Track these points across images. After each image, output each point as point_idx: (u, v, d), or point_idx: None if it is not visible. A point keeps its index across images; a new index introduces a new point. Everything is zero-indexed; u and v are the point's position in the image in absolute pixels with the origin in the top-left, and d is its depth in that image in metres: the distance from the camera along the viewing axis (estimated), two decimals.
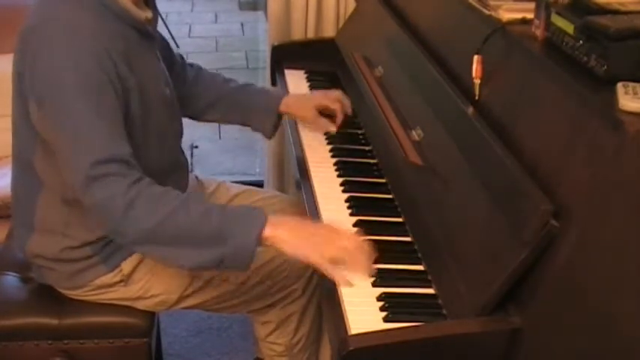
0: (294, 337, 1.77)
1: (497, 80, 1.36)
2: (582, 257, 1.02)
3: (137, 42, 1.47)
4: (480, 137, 1.27)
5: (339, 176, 1.65)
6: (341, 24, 2.34)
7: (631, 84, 1.06)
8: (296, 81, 2.12)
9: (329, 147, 1.79)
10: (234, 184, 1.92)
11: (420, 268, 1.34)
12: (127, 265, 1.57)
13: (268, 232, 1.33)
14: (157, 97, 1.53)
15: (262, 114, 1.85)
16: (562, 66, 1.18)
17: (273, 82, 2.25)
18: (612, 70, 1.09)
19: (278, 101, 1.85)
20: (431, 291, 1.28)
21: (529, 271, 1.09)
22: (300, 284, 1.70)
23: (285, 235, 1.34)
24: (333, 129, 1.83)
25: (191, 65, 1.89)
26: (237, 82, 1.89)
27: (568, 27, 1.19)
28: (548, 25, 1.25)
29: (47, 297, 1.60)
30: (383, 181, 1.64)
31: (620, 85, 1.06)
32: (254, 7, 6.07)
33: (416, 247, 1.39)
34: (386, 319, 1.22)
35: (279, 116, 1.86)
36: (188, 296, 1.63)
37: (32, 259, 1.59)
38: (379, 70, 1.79)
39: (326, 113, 1.86)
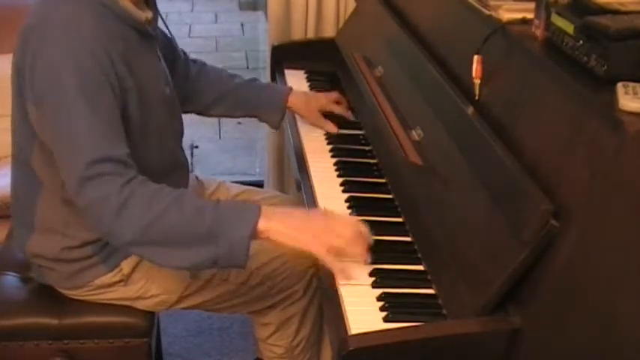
0: (295, 338, 1.77)
1: (497, 80, 1.36)
2: (582, 257, 1.02)
3: (137, 42, 1.47)
4: (480, 137, 1.27)
5: (339, 176, 1.65)
6: (341, 24, 2.34)
7: (631, 84, 1.06)
8: (296, 81, 2.12)
9: (329, 147, 1.79)
10: (234, 184, 1.92)
11: (420, 268, 1.34)
12: (126, 265, 1.57)
13: (262, 225, 1.32)
14: (157, 96, 1.53)
15: (269, 109, 1.88)
16: (562, 66, 1.18)
17: (273, 83, 2.25)
18: (612, 70, 1.09)
19: (284, 97, 1.87)
20: (431, 291, 1.28)
21: (529, 271, 1.09)
22: (301, 285, 1.70)
23: (281, 227, 1.33)
24: (335, 130, 1.85)
25: (194, 61, 1.89)
26: (242, 78, 1.91)
27: (568, 27, 1.19)
28: (548, 25, 1.25)
29: (47, 297, 1.60)
30: (383, 181, 1.64)
31: (620, 85, 1.06)
32: (254, 7, 6.07)
33: (416, 247, 1.39)
34: (386, 319, 1.22)
35: (285, 111, 1.89)
36: (188, 296, 1.63)
37: (32, 259, 1.59)
38: (379, 70, 1.79)
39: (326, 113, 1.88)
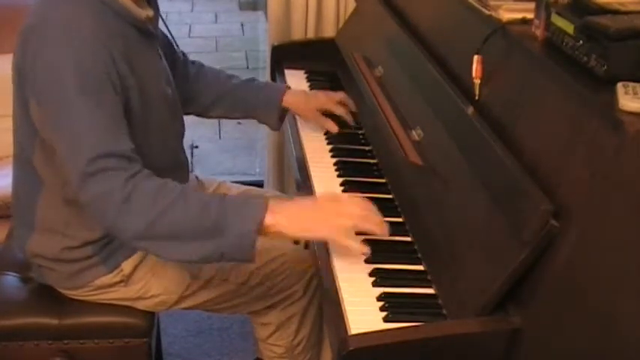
0: (295, 338, 1.77)
1: (497, 80, 1.36)
2: (582, 257, 1.02)
3: (137, 40, 1.47)
4: (480, 137, 1.27)
5: (339, 176, 1.65)
6: (341, 24, 2.34)
7: (631, 84, 1.06)
8: (296, 81, 2.12)
9: (329, 147, 1.79)
10: (235, 184, 1.92)
11: (420, 268, 1.34)
12: (127, 266, 1.57)
13: (269, 219, 1.31)
14: (158, 95, 1.53)
15: (266, 109, 1.87)
16: (562, 66, 1.18)
17: (272, 82, 2.25)
18: (612, 70, 1.09)
19: (280, 96, 1.86)
20: (431, 291, 1.28)
21: (529, 271, 1.09)
22: (301, 285, 1.70)
23: (287, 221, 1.32)
24: (335, 129, 1.83)
25: (193, 62, 1.89)
26: (240, 78, 1.90)
27: (568, 27, 1.19)
28: (548, 25, 1.25)
29: (47, 297, 1.60)
30: (383, 181, 1.64)
31: (620, 85, 1.06)
32: (254, 7, 6.07)
33: (416, 247, 1.39)
34: (386, 319, 1.22)
35: (284, 109, 1.88)
36: (188, 296, 1.63)
37: (32, 258, 1.59)
38: (379, 70, 1.79)
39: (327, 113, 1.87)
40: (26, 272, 1.65)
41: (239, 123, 3.81)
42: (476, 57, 1.36)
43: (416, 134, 1.48)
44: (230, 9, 6.27)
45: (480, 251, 1.17)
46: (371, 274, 1.32)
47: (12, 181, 1.59)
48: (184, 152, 1.72)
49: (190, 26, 5.79)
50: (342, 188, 1.60)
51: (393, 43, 1.81)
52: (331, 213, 1.32)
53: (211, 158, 3.68)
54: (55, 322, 1.57)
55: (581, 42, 1.15)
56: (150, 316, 1.63)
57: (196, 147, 3.13)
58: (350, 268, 1.33)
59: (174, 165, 1.64)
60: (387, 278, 1.30)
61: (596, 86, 1.10)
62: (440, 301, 1.25)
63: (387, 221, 1.47)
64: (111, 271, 1.56)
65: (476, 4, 1.49)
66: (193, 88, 1.84)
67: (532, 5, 1.33)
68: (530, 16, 1.35)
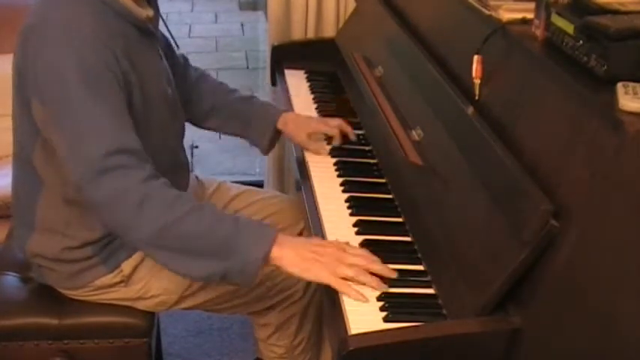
0: (295, 339, 1.77)
1: (497, 80, 1.36)
2: (582, 257, 1.02)
3: (138, 39, 1.47)
4: (480, 137, 1.27)
5: (339, 176, 1.65)
6: (341, 24, 2.34)
7: (631, 84, 1.06)
8: (296, 81, 2.12)
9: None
10: (235, 184, 1.91)
11: (420, 268, 1.34)
12: (127, 266, 1.57)
13: (276, 252, 1.32)
14: (159, 94, 1.53)
15: (259, 128, 1.82)
16: (562, 66, 1.18)
17: (273, 83, 2.25)
18: (612, 70, 1.09)
19: (277, 117, 1.81)
20: (431, 291, 1.28)
21: (529, 271, 1.09)
22: (301, 286, 1.70)
23: (292, 257, 1.32)
24: (324, 151, 1.76)
25: (195, 69, 1.88)
26: (241, 94, 1.88)
27: (568, 27, 1.19)
28: (548, 25, 1.25)
29: (47, 297, 1.60)
30: (383, 181, 1.64)
31: (620, 85, 1.06)
32: (254, 7, 6.07)
33: (416, 247, 1.39)
34: (386, 319, 1.22)
35: (277, 132, 1.83)
36: (188, 296, 1.63)
37: (32, 258, 1.59)
38: (379, 70, 1.79)
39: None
40: (26, 272, 1.65)
41: None
42: (476, 57, 1.36)
43: (416, 134, 1.48)
44: (230, 9, 6.27)
45: (480, 251, 1.17)
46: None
47: (12, 181, 1.59)
48: (184, 152, 1.72)
49: (190, 26, 5.79)
50: (342, 188, 1.60)
51: (393, 43, 1.81)
52: (333, 259, 1.30)
53: (211, 158, 3.67)
54: (55, 322, 1.57)
55: (581, 42, 1.15)
56: (150, 316, 1.63)
57: (196, 147, 3.13)
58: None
59: (174, 165, 1.64)
60: (387, 278, 1.30)
61: (596, 86, 1.10)
62: (440, 301, 1.25)
63: (387, 221, 1.48)
64: (111, 272, 1.56)
65: (476, 4, 1.49)
66: (192, 92, 1.83)
67: (532, 5, 1.33)
68: (530, 16, 1.35)
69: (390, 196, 1.57)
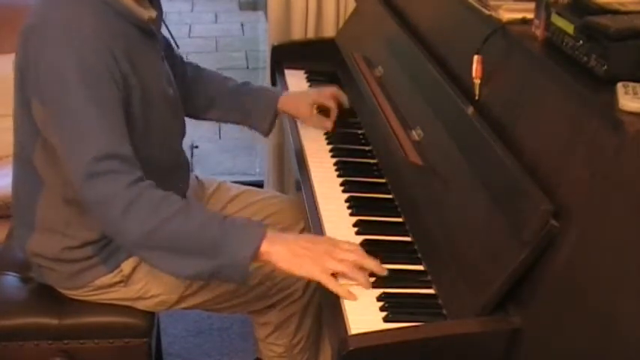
0: (294, 338, 1.77)
1: (497, 80, 1.36)
2: (582, 257, 1.02)
3: (139, 40, 1.47)
4: (480, 137, 1.27)
5: (339, 176, 1.65)
6: (341, 24, 2.34)
7: (631, 84, 1.06)
8: (296, 81, 2.12)
9: (329, 147, 1.79)
10: (235, 185, 1.92)
11: (420, 268, 1.34)
12: (127, 266, 1.57)
13: (265, 247, 1.32)
14: (160, 95, 1.53)
15: (261, 112, 1.85)
16: (562, 66, 1.18)
17: (273, 82, 2.25)
18: (612, 70, 1.09)
19: (276, 99, 1.85)
20: (431, 291, 1.28)
21: (529, 271, 1.09)
22: (300, 285, 1.70)
23: (282, 252, 1.32)
24: (328, 125, 1.83)
25: (190, 64, 1.89)
26: (236, 81, 1.90)
27: (568, 27, 1.19)
28: (548, 25, 1.25)
29: (47, 297, 1.60)
30: (383, 181, 1.64)
31: (620, 85, 1.06)
32: (254, 7, 6.07)
33: (416, 247, 1.39)
34: (386, 319, 1.22)
35: (276, 114, 1.87)
36: (188, 296, 1.63)
37: (32, 258, 1.59)
38: (379, 70, 1.79)
39: (322, 109, 1.86)
40: (26, 272, 1.65)
41: None
42: (476, 57, 1.36)
43: (416, 134, 1.48)
44: (230, 9, 6.27)
45: (480, 251, 1.17)
46: (371, 274, 1.32)
47: (12, 181, 1.59)
48: (184, 153, 1.72)
49: (190, 26, 5.79)
50: (342, 188, 1.60)
51: (393, 43, 1.81)
52: (325, 255, 1.30)
53: (211, 158, 3.68)
54: (55, 322, 1.57)
55: (581, 42, 1.15)
56: (150, 316, 1.63)
57: (196, 147, 3.14)
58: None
59: (174, 165, 1.64)
60: (387, 278, 1.30)
61: (596, 86, 1.10)
62: (440, 301, 1.25)
63: (387, 221, 1.48)
64: (111, 272, 1.56)
65: (476, 4, 1.49)
66: (191, 89, 1.84)
67: (532, 5, 1.33)
68: (530, 16, 1.35)
69: (390, 196, 1.57)
